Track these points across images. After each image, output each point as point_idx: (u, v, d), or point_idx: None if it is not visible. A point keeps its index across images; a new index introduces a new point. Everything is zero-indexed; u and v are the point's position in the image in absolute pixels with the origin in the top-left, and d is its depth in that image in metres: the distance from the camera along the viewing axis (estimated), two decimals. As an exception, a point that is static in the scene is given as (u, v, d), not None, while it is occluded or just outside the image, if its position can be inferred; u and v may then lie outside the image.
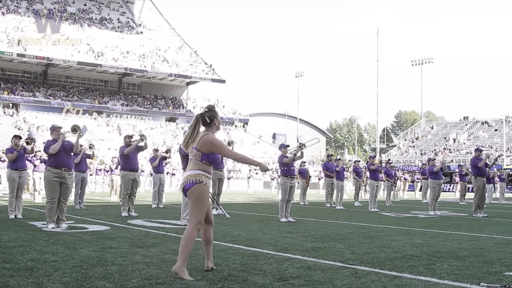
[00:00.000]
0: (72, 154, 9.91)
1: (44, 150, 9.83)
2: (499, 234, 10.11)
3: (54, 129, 9.78)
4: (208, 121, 5.65)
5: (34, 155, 17.99)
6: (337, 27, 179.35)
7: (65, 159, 9.60)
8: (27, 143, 11.67)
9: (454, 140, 66.66)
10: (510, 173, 44.33)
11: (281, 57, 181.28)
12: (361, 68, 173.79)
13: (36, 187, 18.74)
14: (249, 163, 6.00)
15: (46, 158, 10.44)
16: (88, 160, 17.95)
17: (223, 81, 74.71)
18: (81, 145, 13.86)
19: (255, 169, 53.17)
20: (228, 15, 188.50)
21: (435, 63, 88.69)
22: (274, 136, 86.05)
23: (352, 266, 6.10)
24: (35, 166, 18.75)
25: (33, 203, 17.10)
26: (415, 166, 56.14)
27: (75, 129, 9.83)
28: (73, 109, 63.18)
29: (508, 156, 56.40)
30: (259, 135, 74.57)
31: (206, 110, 5.73)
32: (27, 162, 13.60)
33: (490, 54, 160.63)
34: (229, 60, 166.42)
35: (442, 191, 19.06)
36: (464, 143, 64.47)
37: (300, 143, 12.77)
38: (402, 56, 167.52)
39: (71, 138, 9.89)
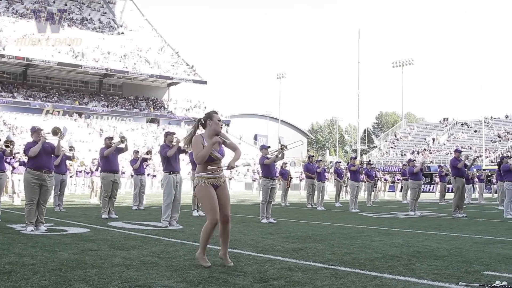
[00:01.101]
0: (53, 156, 9.82)
1: (24, 152, 9.72)
2: (478, 234, 10.20)
3: (35, 131, 9.67)
4: (203, 122, 6.22)
5: (13, 157, 17.82)
6: (318, 28, 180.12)
7: (45, 161, 9.51)
8: (6, 145, 11.54)
9: (434, 139, 67.24)
10: (489, 173, 44.75)
11: (262, 58, 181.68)
12: (342, 69, 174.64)
13: (15, 189, 18.55)
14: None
15: (26, 160, 10.33)
16: (68, 162, 17.81)
17: (204, 82, 74.65)
18: (61, 147, 13.76)
19: (236, 171, 53.16)
20: (210, 16, 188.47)
21: (415, 65, 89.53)
22: (255, 137, 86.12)
23: (333, 267, 6.12)
24: (13, 168, 18.56)
25: (12, 206, 16.93)
26: (395, 167, 56.54)
27: (56, 131, 9.72)
28: (53, 110, 62.64)
29: (487, 157, 56.99)
30: (239, 136, 74.59)
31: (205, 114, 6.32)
32: (5, 164, 13.45)
33: (470, 56, 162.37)
34: (210, 61, 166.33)
35: (422, 192, 19.24)
36: (445, 144, 65.02)
37: (282, 145, 12.79)
38: (383, 58, 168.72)
39: (52, 140, 9.79)
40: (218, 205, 6.16)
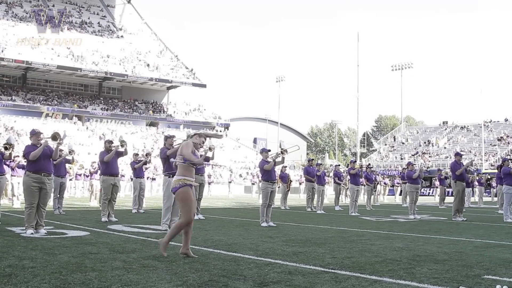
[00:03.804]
0: (51, 159, 9.79)
1: (24, 156, 9.69)
2: (478, 238, 10.20)
3: (34, 134, 9.64)
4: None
5: (13, 160, 17.81)
6: (318, 31, 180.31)
7: (45, 164, 9.48)
8: (5, 148, 11.52)
9: (429, 141, 67.29)
10: (489, 177, 44.74)
11: (262, 61, 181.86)
12: (341, 72, 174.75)
13: (15, 192, 18.54)
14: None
15: (25, 163, 10.31)
16: (67, 165, 17.79)
17: (204, 86, 74.57)
18: (61, 150, 13.75)
19: (239, 174, 53.15)
20: (209, 19, 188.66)
21: (414, 68, 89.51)
22: (255, 140, 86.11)
23: (333, 271, 6.11)
24: (13, 170, 18.54)
25: (11, 209, 16.92)
26: (395, 170, 56.51)
27: (55, 137, 9.66)
28: (52, 114, 62.62)
29: (486, 160, 56.97)
30: (237, 139, 74.40)
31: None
32: (5, 167, 13.41)
33: (469, 59, 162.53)
34: (210, 64, 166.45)
35: (422, 195, 19.22)
36: (445, 147, 65.01)
37: (282, 149, 12.78)
38: (382, 61, 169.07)
39: (51, 144, 9.77)
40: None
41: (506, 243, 9.38)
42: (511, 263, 6.89)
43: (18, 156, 18.61)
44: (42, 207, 9.48)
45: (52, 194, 15.48)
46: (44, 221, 9.72)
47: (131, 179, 21.52)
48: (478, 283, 5.49)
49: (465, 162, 16.99)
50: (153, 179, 35.28)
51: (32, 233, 9.16)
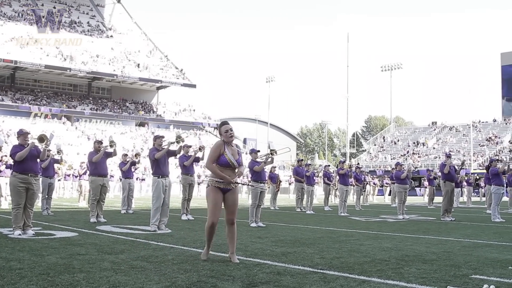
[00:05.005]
0: (38, 160, 9.73)
1: (11, 156, 9.61)
2: (466, 238, 10.25)
3: (22, 134, 9.57)
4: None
5: (0, 161, 17.68)
6: (307, 32, 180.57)
7: (32, 164, 9.42)
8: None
9: (418, 142, 67.58)
10: (477, 177, 44.98)
11: (252, 62, 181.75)
12: (331, 73, 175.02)
13: (2, 193, 18.39)
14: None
15: (12, 163, 10.23)
16: (56, 165, 17.69)
17: (193, 86, 74.45)
18: (49, 150, 13.68)
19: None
20: (199, 19, 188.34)
21: (404, 69, 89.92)
22: (244, 141, 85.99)
23: (321, 271, 6.12)
24: (0, 171, 18.42)
25: (-1, 209, 16.82)
26: (384, 171, 56.67)
27: (42, 138, 9.60)
28: (41, 114, 62.24)
29: (475, 161, 57.26)
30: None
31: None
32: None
33: (458, 60, 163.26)
34: (200, 65, 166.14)
35: (412, 196, 19.30)
36: (434, 148, 65.28)
37: (271, 150, 12.79)
38: (372, 62, 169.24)
39: (38, 145, 9.69)
40: (225, 208, 6.92)
41: (494, 243, 9.44)
42: (499, 263, 6.93)
43: (6, 156, 18.49)
44: (30, 208, 9.42)
45: (40, 195, 15.40)
46: (32, 222, 9.66)
47: (120, 180, 21.44)
48: (465, 283, 5.52)
49: (454, 162, 17.11)
50: (142, 179, 35.16)
51: (19, 234, 9.10)
